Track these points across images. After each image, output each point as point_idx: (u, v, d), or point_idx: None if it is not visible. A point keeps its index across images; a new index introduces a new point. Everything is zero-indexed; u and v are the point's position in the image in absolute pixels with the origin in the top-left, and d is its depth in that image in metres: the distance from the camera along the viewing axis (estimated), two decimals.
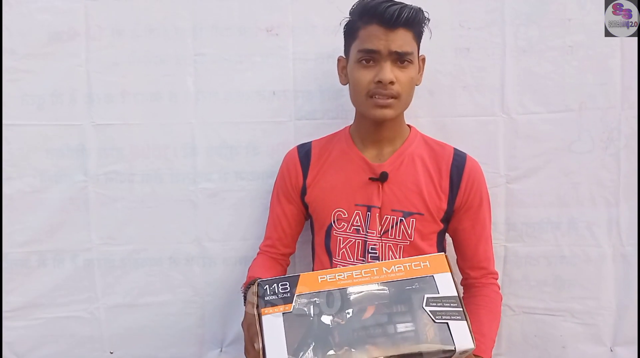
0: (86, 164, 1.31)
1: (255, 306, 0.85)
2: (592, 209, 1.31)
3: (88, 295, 1.34)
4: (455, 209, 1.14)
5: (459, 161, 1.14)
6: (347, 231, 1.13)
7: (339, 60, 1.18)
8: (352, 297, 0.84)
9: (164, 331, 1.35)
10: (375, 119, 1.10)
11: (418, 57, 1.11)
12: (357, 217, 1.13)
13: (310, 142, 1.23)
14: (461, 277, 1.21)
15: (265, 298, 0.84)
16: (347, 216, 1.13)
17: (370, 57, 1.06)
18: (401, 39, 1.04)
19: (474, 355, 1.02)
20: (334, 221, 1.14)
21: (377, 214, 1.11)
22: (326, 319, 0.82)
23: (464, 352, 0.79)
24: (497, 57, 1.29)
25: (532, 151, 1.31)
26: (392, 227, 1.11)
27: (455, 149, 1.17)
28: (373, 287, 0.85)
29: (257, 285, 0.85)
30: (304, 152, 1.20)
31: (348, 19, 1.12)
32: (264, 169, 1.33)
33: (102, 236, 1.33)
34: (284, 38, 1.30)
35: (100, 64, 1.29)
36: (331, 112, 1.32)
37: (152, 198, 1.32)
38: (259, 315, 0.83)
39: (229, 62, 1.30)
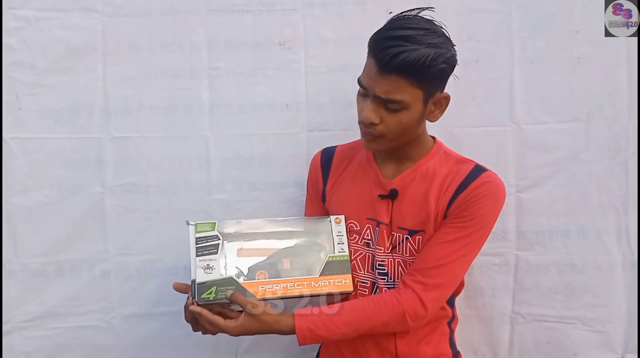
0: (103, 176, 1.33)
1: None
2: (602, 218, 1.32)
3: (104, 304, 1.36)
4: (447, 215, 1.04)
5: (472, 176, 1.03)
6: (359, 243, 1.11)
7: None
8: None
9: (180, 340, 1.36)
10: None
11: (426, 101, 0.99)
12: (368, 231, 1.11)
13: (335, 147, 1.21)
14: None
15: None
16: (358, 228, 1.12)
17: (363, 90, 1.01)
18: (389, 85, 0.94)
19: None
20: (346, 232, 1.13)
21: (385, 230, 1.08)
22: None
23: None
24: (506, 69, 1.31)
25: (541, 161, 1.32)
26: (400, 244, 1.07)
27: (476, 165, 1.06)
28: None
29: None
30: (327, 158, 1.19)
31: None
32: (277, 179, 1.35)
33: (119, 246, 1.35)
34: (296, 51, 1.33)
35: (117, 78, 1.32)
36: (342, 123, 1.33)
37: (168, 209, 1.34)
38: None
39: (243, 76, 1.33)
